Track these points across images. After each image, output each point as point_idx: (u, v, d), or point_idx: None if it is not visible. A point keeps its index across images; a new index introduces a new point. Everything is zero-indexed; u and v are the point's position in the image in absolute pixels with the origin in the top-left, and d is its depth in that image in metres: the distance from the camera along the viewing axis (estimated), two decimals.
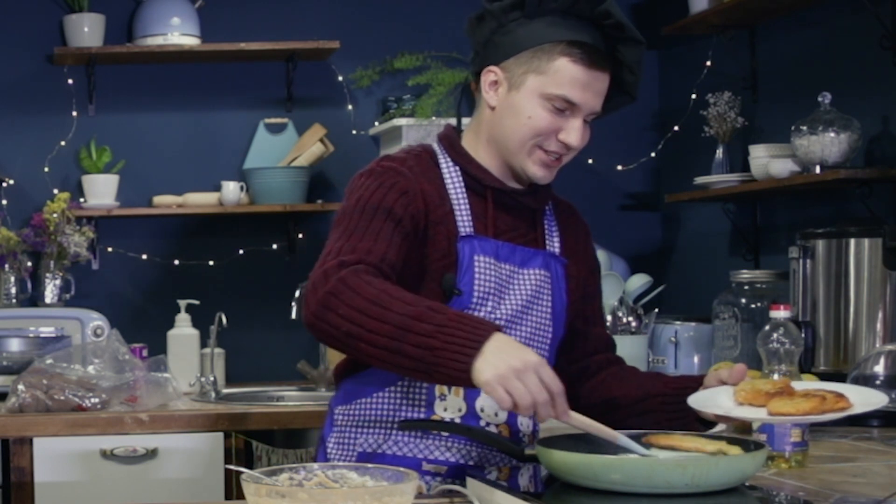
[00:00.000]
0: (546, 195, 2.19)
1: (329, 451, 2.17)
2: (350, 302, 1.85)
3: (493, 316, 2.07)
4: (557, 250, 2.18)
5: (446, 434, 2.08)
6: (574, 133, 2.04)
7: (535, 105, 2.03)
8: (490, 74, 2.08)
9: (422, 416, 2.08)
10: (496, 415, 2.10)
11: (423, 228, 2.04)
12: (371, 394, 2.11)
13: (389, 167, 2.07)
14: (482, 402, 2.08)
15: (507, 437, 2.10)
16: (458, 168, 2.12)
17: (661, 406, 2.10)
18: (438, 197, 2.07)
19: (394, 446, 2.10)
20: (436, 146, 2.16)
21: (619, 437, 1.89)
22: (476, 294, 2.06)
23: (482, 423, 2.09)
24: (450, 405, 2.08)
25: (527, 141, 2.05)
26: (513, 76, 2.05)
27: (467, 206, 2.09)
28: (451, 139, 2.15)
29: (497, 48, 2.07)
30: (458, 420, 2.08)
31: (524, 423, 2.14)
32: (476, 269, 2.06)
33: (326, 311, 1.87)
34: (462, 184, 2.10)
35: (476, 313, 2.05)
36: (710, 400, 1.96)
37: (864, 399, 1.88)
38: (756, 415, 1.90)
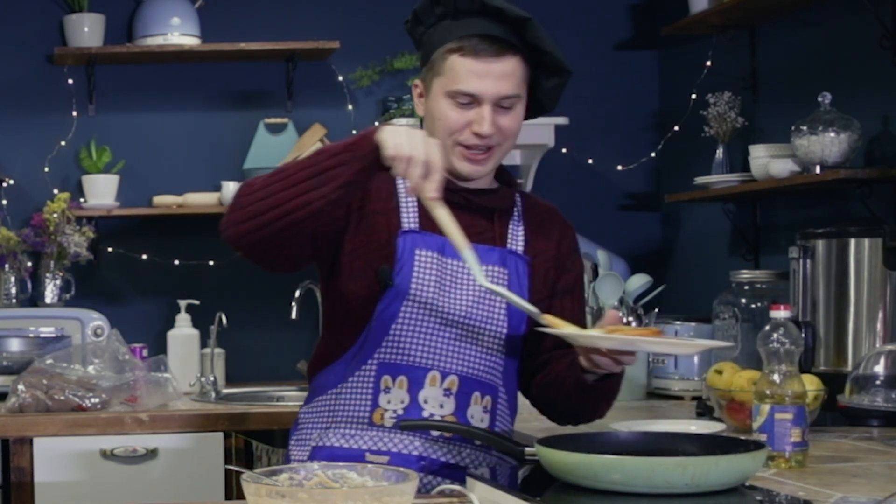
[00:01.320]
0: (508, 196, 2.24)
1: (290, 450, 2.24)
2: (259, 183, 1.98)
3: (434, 307, 2.12)
4: (520, 248, 2.22)
5: (389, 426, 2.12)
6: (484, 122, 2.11)
7: (443, 106, 2.13)
8: (416, 88, 2.22)
9: (367, 409, 2.13)
10: (441, 406, 2.13)
11: (359, 209, 2.13)
12: (327, 391, 2.18)
13: None
14: (425, 393, 2.13)
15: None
16: None
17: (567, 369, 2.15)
18: (386, 192, 2.17)
19: (341, 438, 2.14)
20: None
21: (466, 250, 1.95)
22: (414, 286, 2.12)
23: (426, 415, 2.12)
24: (393, 398, 2.13)
25: (445, 140, 2.13)
26: (425, 84, 2.18)
27: (415, 204, 2.17)
28: None
29: (420, 62, 2.22)
30: (401, 412, 2.12)
31: (475, 416, 2.16)
32: (416, 263, 2.12)
33: (240, 203, 1.99)
34: None
35: (415, 305, 2.11)
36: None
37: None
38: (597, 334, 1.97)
